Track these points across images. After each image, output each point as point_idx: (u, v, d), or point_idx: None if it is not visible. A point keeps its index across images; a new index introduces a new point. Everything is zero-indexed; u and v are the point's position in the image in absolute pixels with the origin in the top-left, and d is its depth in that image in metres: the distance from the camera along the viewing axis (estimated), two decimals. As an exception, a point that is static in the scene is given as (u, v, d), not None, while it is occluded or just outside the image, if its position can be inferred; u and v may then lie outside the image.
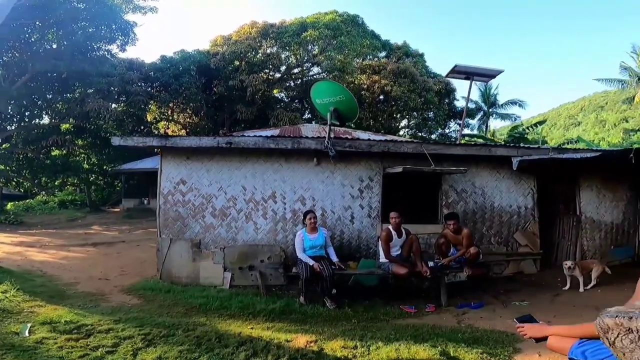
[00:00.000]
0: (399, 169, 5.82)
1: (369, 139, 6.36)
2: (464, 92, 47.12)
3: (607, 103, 72.63)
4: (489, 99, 25.44)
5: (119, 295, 5.90)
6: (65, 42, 17.49)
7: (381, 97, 20.32)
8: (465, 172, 6.03)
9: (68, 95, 19.24)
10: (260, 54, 19.64)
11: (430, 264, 5.79)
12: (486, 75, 8.07)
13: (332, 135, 6.07)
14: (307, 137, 6.23)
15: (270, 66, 19.52)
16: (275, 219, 6.36)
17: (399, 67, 20.24)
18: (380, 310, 5.34)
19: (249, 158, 6.39)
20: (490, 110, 26.04)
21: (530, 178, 7.19)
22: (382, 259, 5.75)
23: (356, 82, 20.69)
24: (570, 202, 7.86)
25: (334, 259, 5.80)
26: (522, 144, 10.06)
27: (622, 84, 20.73)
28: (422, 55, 23.95)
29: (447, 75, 8.15)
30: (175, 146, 6.03)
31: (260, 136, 6.29)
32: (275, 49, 19.31)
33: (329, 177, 6.46)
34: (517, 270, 7.06)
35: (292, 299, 5.68)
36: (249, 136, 6.20)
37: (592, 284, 5.92)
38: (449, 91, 22.41)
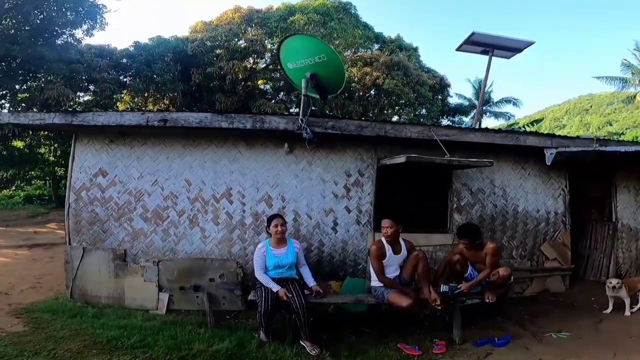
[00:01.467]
0: (401, 159, 4.12)
1: (359, 119, 4.65)
2: (459, 89, 45.55)
3: (591, 106, 72.83)
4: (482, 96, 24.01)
5: (3, 318, 4.22)
6: (26, 28, 15.59)
7: (372, 90, 18.66)
8: (491, 165, 4.37)
9: (32, 84, 17.27)
10: (242, 41, 17.79)
11: (443, 288, 4.12)
12: (510, 48, 6.39)
13: (307, 111, 4.35)
14: (274, 114, 4.49)
15: (254, 54, 17.68)
16: (230, 224, 4.60)
17: (392, 60, 18.60)
18: (372, 353, 3.69)
19: (197, 143, 4.63)
20: (484, 108, 24.62)
21: (561, 176, 5.58)
22: (375, 281, 4.06)
23: (346, 74, 19.00)
24: (603, 206, 6.32)
25: (310, 282, 4.11)
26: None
27: (623, 83, 19.49)
28: (416, 49, 22.37)
29: (459, 48, 6.45)
30: (86, 124, 4.22)
31: (208, 111, 4.52)
32: (259, 35, 17.49)
33: (305, 169, 4.73)
34: (542, 288, 5.52)
35: (250, 332, 4.02)
36: (192, 113, 4.41)
37: (639, 306, 4.67)
38: (444, 86, 20.86)
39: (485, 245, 4.11)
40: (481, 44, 6.28)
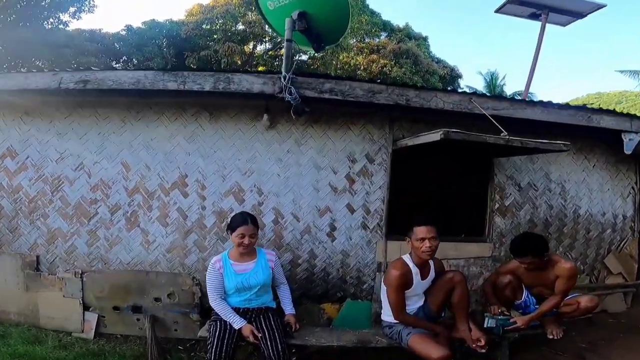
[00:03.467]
0: (434, 136, 2.70)
1: (371, 80, 3.25)
2: (470, 81, 43.46)
3: (599, 105, 70.59)
4: (494, 90, 22.44)
5: None
6: (9, 11, 14.43)
7: (379, 79, 17.27)
8: (567, 149, 2.95)
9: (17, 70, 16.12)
10: (240, 24, 16.39)
11: (489, 323, 2.77)
12: (570, 11, 4.81)
13: (292, 66, 2.95)
14: (245, 72, 3.09)
15: (253, 38, 16.28)
16: (183, 226, 3.23)
17: (401, 48, 17.19)
18: None
19: (141, 114, 3.25)
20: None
21: (631, 170, 4.17)
22: (388, 317, 2.71)
23: (352, 62, 17.55)
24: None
25: (287, 308, 2.80)
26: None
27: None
28: (425, 39, 20.83)
29: (501, 8, 4.93)
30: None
31: (151, 69, 3.14)
32: (259, 18, 16.10)
33: (292, 151, 3.34)
34: (599, 309, 4.11)
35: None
36: (126, 70, 3.02)
37: None
38: (455, 77, 19.30)
39: (556, 264, 2.73)
40: (531, 4, 4.74)
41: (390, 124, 3.50)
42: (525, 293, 2.94)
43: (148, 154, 3.22)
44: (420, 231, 2.52)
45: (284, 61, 2.96)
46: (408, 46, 17.83)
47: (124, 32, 17.37)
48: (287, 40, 2.93)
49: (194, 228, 3.23)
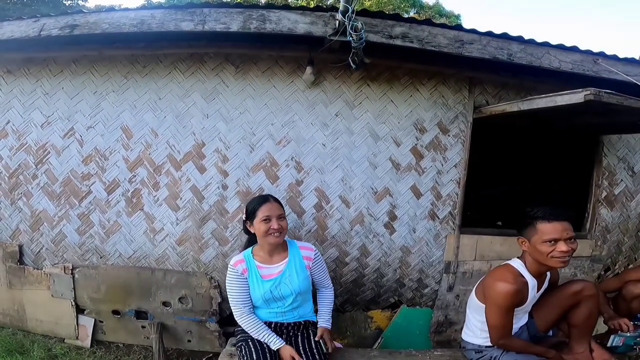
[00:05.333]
0: (576, 97, 1.82)
1: (456, 28, 2.34)
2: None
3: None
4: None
5: None
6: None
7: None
8: None
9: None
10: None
11: (615, 341, 1.94)
12: None
13: (354, 2, 2.08)
14: (286, 8, 2.25)
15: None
16: (198, 210, 2.46)
17: (432, 25, 15.96)
18: None
19: (149, 68, 2.45)
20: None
21: None
22: (477, 339, 1.90)
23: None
24: None
25: (323, 320, 1.99)
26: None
27: None
28: (458, 17, 19.41)
29: None
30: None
31: (160, 8, 2.35)
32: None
33: (342, 114, 2.50)
34: None
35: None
36: (128, 10, 2.27)
37: None
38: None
39: None
40: None
41: (470, 87, 2.60)
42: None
43: (155, 116, 2.44)
44: (551, 229, 1.66)
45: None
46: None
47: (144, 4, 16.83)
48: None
49: (212, 213, 2.45)
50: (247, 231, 1.95)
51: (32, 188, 2.49)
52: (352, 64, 2.20)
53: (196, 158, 2.43)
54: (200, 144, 2.44)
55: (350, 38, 2.06)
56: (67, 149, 2.45)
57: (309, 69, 2.39)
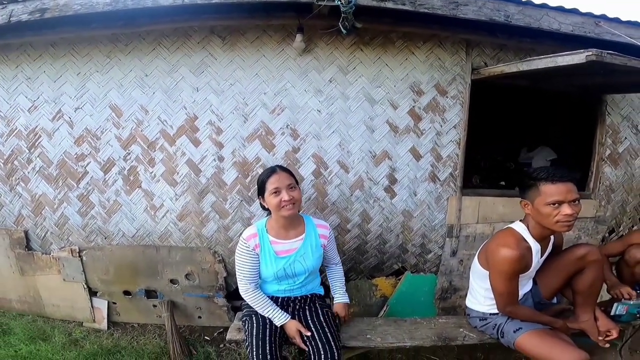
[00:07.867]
0: (578, 57, 1.71)
1: None
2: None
3: None
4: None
5: None
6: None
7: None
8: None
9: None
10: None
11: (618, 309, 1.90)
12: None
13: None
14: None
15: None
16: (196, 183, 2.41)
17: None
18: None
19: (132, 46, 2.34)
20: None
21: None
22: (482, 306, 1.87)
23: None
24: None
25: (338, 296, 1.98)
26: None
27: None
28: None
29: None
30: None
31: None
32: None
33: (336, 80, 2.39)
34: None
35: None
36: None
37: None
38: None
39: None
40: None
41: (467, 49, 2.47)
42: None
43: (144, 93, 2.35)
44: (555, 191, 1.58)
45: None
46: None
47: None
48: None
49: (210, 186, 2.40)
50: (263, 207, 1.85)
51: (28, 172, 2.45)
52: (342, 29, 2.07)
53: (189, 132, 2.36)
54: (192, 118, 2.36)
55: (339, 2, 1.93)
56: (58, 131, 2.39)
57: (298, 37, 2.27)
